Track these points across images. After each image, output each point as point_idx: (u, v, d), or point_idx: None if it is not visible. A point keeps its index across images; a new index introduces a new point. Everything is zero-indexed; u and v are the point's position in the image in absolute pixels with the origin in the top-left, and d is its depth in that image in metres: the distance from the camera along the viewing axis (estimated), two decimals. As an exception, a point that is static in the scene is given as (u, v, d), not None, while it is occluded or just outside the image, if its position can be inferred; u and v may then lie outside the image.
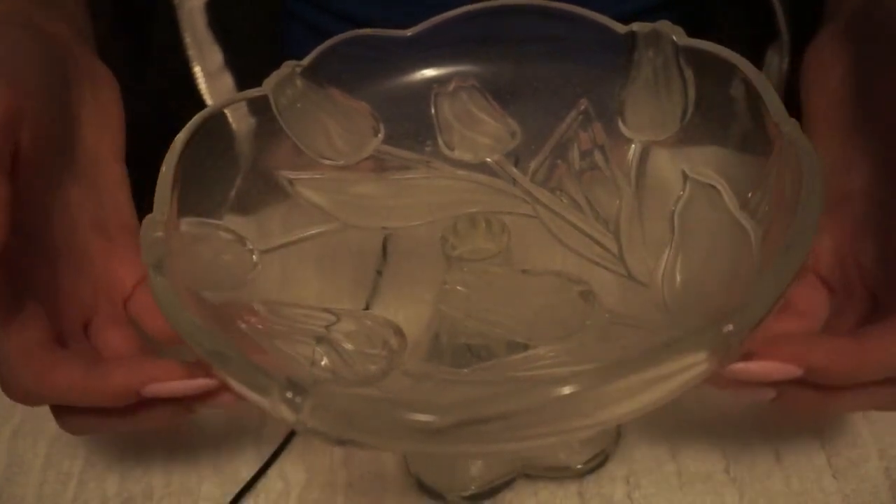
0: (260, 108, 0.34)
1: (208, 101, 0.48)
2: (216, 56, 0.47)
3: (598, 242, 0.34)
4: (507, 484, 0.33)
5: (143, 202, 0.32)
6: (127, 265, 0.34)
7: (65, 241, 0.33)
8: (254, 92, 0.34)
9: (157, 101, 0.47)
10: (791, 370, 0.26)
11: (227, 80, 0.48)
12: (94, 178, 0.34)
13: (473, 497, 0.33)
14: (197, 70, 0.47)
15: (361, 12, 0.49)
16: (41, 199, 0.32)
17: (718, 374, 0.26)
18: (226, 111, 0.33)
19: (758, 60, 0.49)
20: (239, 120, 0.34)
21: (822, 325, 0.31)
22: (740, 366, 0.26)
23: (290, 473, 0.35)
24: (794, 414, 0.34)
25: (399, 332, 0.32)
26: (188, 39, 0.46)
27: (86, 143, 0.34)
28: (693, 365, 0.23)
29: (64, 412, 0.31)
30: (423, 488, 0.34)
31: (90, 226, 0.34)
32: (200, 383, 0.29)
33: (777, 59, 0.47)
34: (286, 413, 0.23)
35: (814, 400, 0.28)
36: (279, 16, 0.50)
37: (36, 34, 0.33)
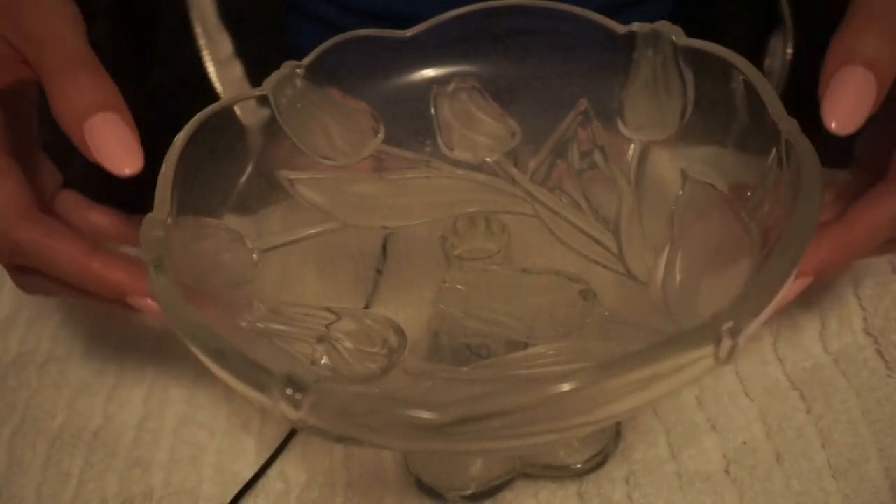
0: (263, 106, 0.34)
1: (218, 88, 0.48)
2: (226, 45, 0.47)
3: (597, 241, 0.34)
4: (506, 484, 0.33)
5: (144, 200, 0.33)
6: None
7: None
8: (254, 92, 0.34)
9: (163, 99, 0.47)
10: (802, 285, 0.29)
11: (237, 69, 0.48)
12: None
13: (473, 497, 0.33)
14: (206, 56, 0.47)
15: (366, 3, 0.49)
16: None
17: None
18: (234, 107, 0.33)
19: (761, 47, 0.48)
20: (248, 113, 0.34)
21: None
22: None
23: (290, 473, 0.35)
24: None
25: (399, 330, 0.32)
26: (198, 29, 0.47)
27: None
28: (692, 362, 0.23)
29: (28, 273, 0.32)
30: (423, 488, 0.34)
31: None
32: None
33: (781, 46, 0.47)
34: (287, 410, 0.23)
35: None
36: (284, 4, 0.50)
37: None
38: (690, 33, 0.33)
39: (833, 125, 0.28)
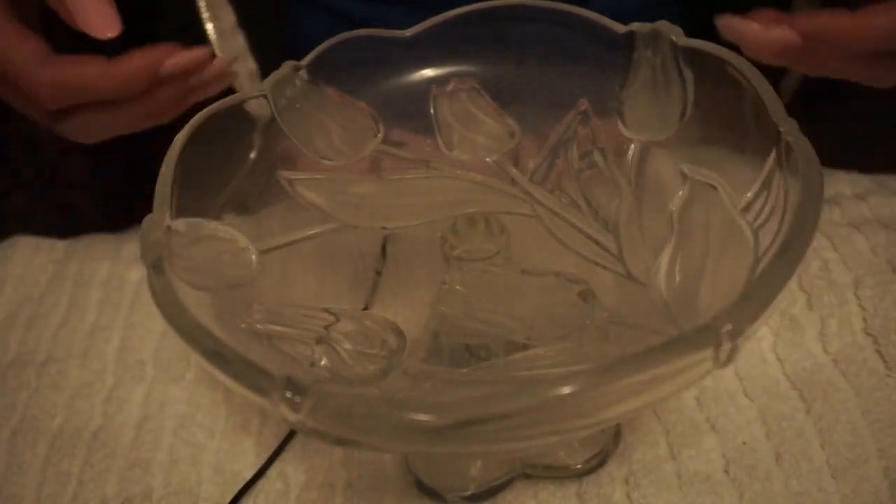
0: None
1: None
2: (229, 17, 0.48)
3: (597, 242, 0.34)
4: (506, 484, 0.33)
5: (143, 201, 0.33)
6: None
7: None
8: (253, 92, 0.34)
9: None
10: (790, 36, 0.33)
11: (240, 40, 0.49)
12: None
13: (473, 497, 0.33)
14: (209, 28, 0.48)
15: None
16: None
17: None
18: (233, 108, 0.33)
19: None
20: (259, 108, 0.34)
21: None
22: (744, 25, 0.32)
23: (290, 473, 0.35)
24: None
25: (398, 332, 0.32)
26: (202, 3, 0.47)
27: None
28: (692, 364, 0.23)
29: (72, 113, 0.37)
30: (423, 488, 0.34)
31: None
32: (205, 51, 0.37)
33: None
34: (286, 413, 0.23)
35: (821, 64, 0.34)
36: None
37: None
38: (691, 32, 0.33)
39: None
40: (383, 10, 0.46)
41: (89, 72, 0.35)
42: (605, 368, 0.22)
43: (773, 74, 0.32)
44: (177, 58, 0.36)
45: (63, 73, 0.35)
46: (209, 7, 0.48)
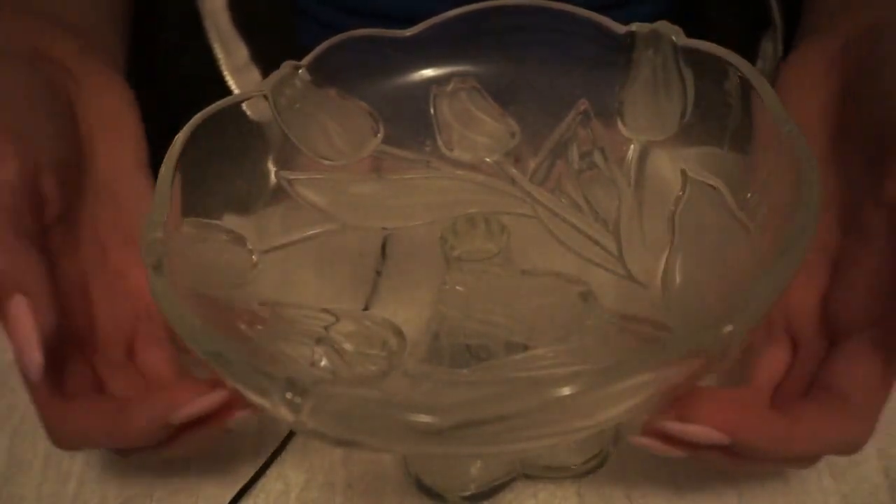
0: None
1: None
2: (242, 52, 0.48)
3: (597, 243, 0.34)
4: (506, 484, 0.34)
5: None
6: None
7: (97, 262, 0.33)
8: (253, 92, 0.34)
9: (164, 103, 0.47)
10: (719, 437, 0.26)
11: (255, 74, 0.48)
12: (117, 194, 0.34)
13: (473, 497, 0.33)
14: (223, 65, 0.47)
15: (370, 5, 0.49)
16: (69, 226, 0.32)
17: (650, 423, 0.26)
18: (233, 108, 0.33)
19: (752, 49, 0.49)
20: (261, 110, 0.34)
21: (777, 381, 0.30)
22: (676, 426, 0.26)
23: (290, 473, 0.35)
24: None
25: (398, 332, 0.32)
26: (214, 41, 0.47)
27: (103, 159, 0.34)
28: (692, 365, 0.23)
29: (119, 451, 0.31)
30: (423, 488, 0.34)
31: (121, 243, 0.34)
32: (223, 394, 0.28)
33: (771, 48, 0.47)
34: (286, 414, 0.23)
35: (727, 463, 0.27)
36: (294, 8, 0.50)
37: (32, 64, 0.33)
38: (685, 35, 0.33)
39: None
40: (385, 26, 0.46)
41: (89, 430, 0.29)
42: (606, 370, 0.22)
43: None
44: (190, 406, 0.28)
45: (63, 430, 0.29)
46: (222, 48, 0.47)
